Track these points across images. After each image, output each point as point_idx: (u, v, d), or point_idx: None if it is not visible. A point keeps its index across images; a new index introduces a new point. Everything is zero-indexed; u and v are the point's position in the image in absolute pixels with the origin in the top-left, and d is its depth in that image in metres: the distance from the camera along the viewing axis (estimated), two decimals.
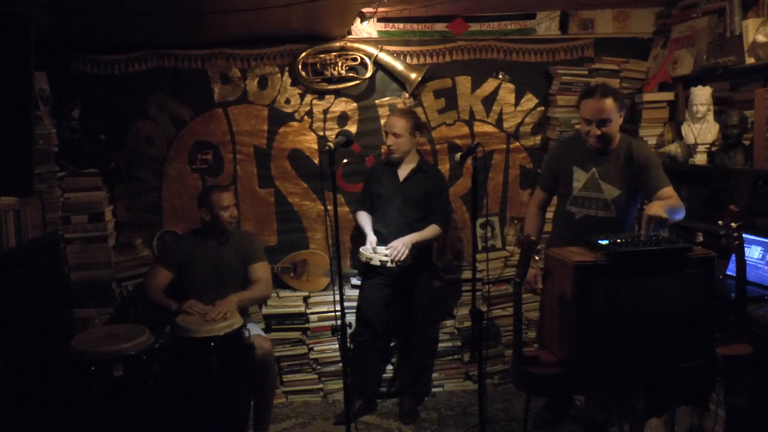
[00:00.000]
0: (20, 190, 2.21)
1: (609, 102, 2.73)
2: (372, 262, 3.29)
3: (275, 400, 3.47)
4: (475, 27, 3.81)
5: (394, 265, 3.26)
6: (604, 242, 2.21)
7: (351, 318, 3.57)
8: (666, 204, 2.54)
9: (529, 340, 3.79)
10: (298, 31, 3.52)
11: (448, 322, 3.87)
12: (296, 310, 3.76)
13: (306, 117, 3.79)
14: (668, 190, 2.72)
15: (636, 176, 2.80)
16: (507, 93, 3.87)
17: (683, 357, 2.21)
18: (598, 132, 2.76)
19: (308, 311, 3.77)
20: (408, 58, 3.78)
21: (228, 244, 3.29)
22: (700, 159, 3.27)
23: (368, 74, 3.73)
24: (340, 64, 3.71)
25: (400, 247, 3.26)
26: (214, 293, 3.12)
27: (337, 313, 2.63)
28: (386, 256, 3.27)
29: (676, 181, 3.66)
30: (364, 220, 3.55)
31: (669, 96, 3.65)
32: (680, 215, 2.64)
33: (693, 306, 2.17)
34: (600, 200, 2.84)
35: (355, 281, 3.82)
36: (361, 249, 3.39)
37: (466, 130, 3.90)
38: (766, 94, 2.82)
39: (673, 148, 3.45)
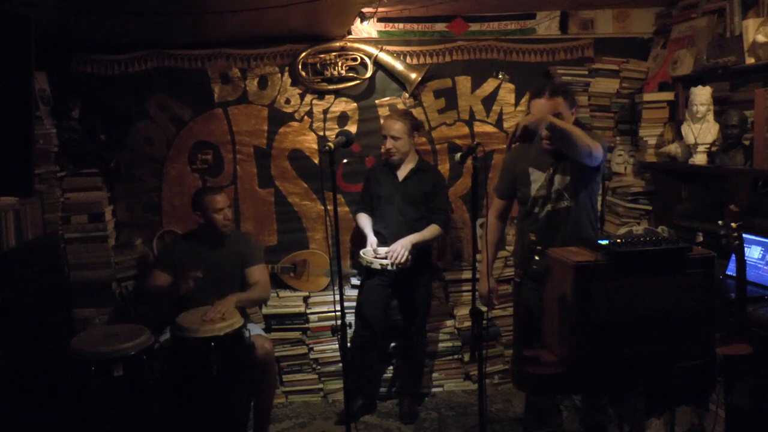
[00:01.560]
0: (20, 190, 2.21)
1: (559, 100, 2.65)
2: (373, 266, 3.29)
3: (275, 400, 3.47)
4: (475, 27, 3.81)
5: (394, 267, 3.26)
6: (604, 242, 2.21)
7: (351, 318, 3.56)
8: (564, 124, 2.41)
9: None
10: (298, 31, 3.52)
11: (448, 322, 3.87)
12: (296, 310, 3.76)
13: (306, 117, 3.79)
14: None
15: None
16: (507, 93, 3.87)
17: (683, 357, 2.20)
18: (548, 131, 2.62)
19: (308, 311, 3.77)
20: (408, 58, 3.78)
21: (225, 246, 3.28)
22: (700, 159, 3.26)
23: (368, 74, 3.73)
24: (340, 64, 3.71)
25: (399, 249, 3.25)
26: (211, 296, 3.12)
27: (337, 313, 2.62)
28: (386, 258, 3.27)
29: (676, 181, 3.68)
30: (364, 221, 3.54)
31: (669, 96, 3.65)
32: (581, 147, 2.46)
33: (693, 306, 2.17)
34: (554, 192, 2.77)
35: (355, 281, 3.82)
36: (361, 252, 3.38)
37: (466, 130, 3.90)
38: (766, 94, 2.82)
39: (673, 148, 3.45)
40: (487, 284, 2.95)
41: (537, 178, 2.81)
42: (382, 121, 3.74)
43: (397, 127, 3.39)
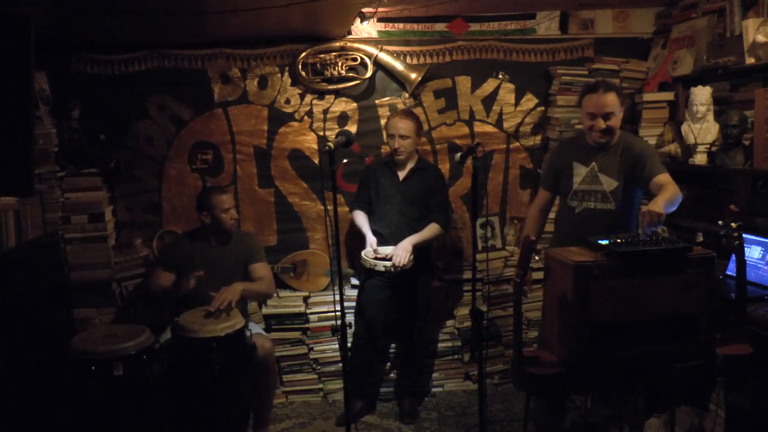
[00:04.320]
0: (20, 190, 2.21)
1: (612, 96, 2.79)
2: (376, 268, 3.28)
3: (275, 400, 3.48)
4: (475, 27, 3.81)
5: (397, 269, 3.25)
6: (604, 242, 2.21)
7: (351, 318, 3.57)
8: (664, 198, 2.53)
9: (529, 340, 3.79)
10: (298, 31, 3.52)
11: (448, 322, 3.87)
12: (296, 310, 3.76)
13: (306, 117, 3.79)
14: (663, 177, 2.73)
15: (632, 167, 2.82)
16: (507, 93, 3.87)
17: (683, 357, 2.21)
18: (603, 125, 2.80)
19: (308, 311, 3.77)
20: (408, 58, 3.78)
21: (228, 245, 3.28)
22: (700, 159, 3.27)
23: (368, 74, 3.73)
24: (340, 64, 3.71)
25: (401, 253, 3.24)
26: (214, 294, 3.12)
27: (337, 313, 2.62)
28: (389, 260, 3.26)
29: (676, 181, 3.66)
30: (362, 220, 3.51)
31: (669, 96, 3.65)
32: (677, 204, 2.64)
33: (693, 306, 2.17)
34: (598, 192, 2.87)
35: (354, 281, 3.82)
36: (363, 254, 3.35)
37: (466, 130, 3.90)
38: (766, 94, 2.82)
39: (673, 148, 3.45)
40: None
41: (579, 172, 2.91)
42: (386, 121, 3.73)
43: (407, 126, 3.39)
